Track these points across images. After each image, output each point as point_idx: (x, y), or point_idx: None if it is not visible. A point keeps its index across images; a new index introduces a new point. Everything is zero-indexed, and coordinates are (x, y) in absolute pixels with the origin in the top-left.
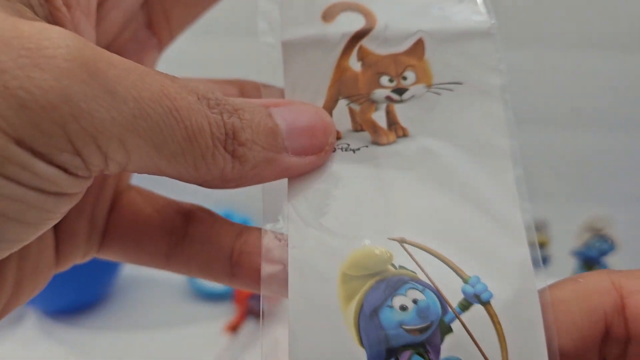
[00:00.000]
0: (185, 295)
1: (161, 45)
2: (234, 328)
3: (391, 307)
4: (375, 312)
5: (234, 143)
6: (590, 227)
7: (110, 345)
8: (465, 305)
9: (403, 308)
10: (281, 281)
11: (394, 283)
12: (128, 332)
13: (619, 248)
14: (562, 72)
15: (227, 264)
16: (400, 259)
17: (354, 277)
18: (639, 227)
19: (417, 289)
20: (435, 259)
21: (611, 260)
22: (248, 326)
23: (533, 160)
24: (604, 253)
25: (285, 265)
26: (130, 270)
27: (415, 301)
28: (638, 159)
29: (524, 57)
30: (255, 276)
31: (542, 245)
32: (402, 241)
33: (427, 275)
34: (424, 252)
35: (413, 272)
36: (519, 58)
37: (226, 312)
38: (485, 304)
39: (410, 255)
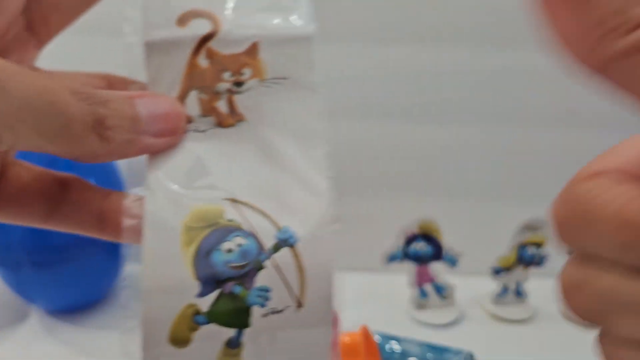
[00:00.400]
0: None
1: (40, 44)
2: None
3: (220, 250)
4: (208, 254)
5: (101, 128)
6: None
7: (112, 344)
8: (276, 248)
9: (229, 251)
10: (138, 232)
11: (223, 232)
12: (130, 331)
13: None
14: (561, 73)
15: (97, 221)
16: (231, 213)
17: (194, 227)
18: None
19: (241, 236)
20: (257, 214)
21: None
22: None
23: (532, 160)
24: None
25: (142, 219)
26: (133, 270)
27: (239, 245)
28: None
29: (523, 59)
30: (119, 229)
31: (540, 244)
32: (233, 200)
33: (249, 226)
34: (249, 208)
35: (239, 223)
36: (519, 59)
37: None
38: (292, 246)
39: (238, 211)
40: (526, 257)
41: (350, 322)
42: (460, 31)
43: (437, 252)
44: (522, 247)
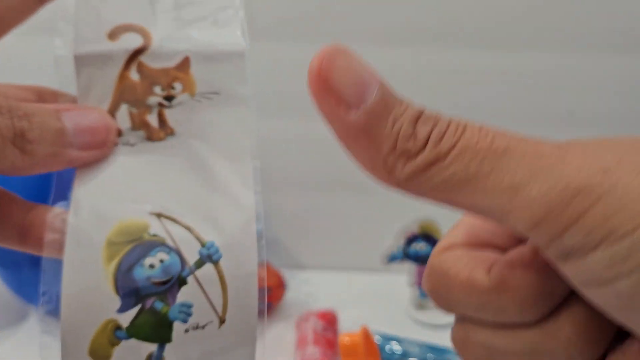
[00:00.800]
0: None
1: None
2: None
3: (143, 265)
4: (130, 269)
5: (22, 141)
6: None
7: None
8: (199, 264)
9: (151, 266)
10: (61, 245)
11: (146, 247)
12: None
13: None
14: (559, 74)
15: (18, 234)
16: (155, 228)
17: (117, 242)
18: None
19: (164, 252)
20: (182, 229)
21: None
22: None
23: None
24: None
25: (64, 234)
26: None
27: (161, 261)
28: None
29: (522, 60)
30: (40, 242)
31: None
32: (158, 215)
33: (173, 241)
34: (174, 223)
35: (163, 238)
36: (517, 60)
37: None
38: (215, 262)
39: (163, 225)
40: None
41: (350, 322)
42: (456, 32)
43: None
44: None
